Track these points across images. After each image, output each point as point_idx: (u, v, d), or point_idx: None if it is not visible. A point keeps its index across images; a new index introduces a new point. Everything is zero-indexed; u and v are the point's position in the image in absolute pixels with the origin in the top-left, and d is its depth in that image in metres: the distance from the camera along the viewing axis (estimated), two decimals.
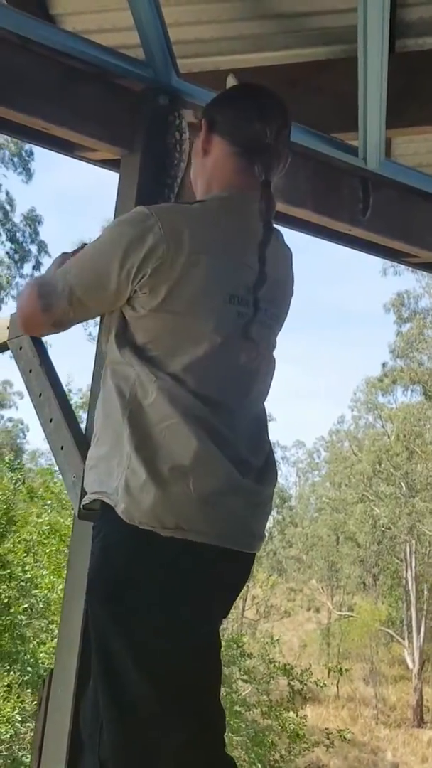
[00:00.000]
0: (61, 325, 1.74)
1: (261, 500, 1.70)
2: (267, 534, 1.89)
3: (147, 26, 2.13)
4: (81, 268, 1.67)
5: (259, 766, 12.98)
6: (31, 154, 20.94)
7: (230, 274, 1.64)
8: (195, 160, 1.84)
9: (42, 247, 20.93)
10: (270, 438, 1.80)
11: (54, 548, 12.15)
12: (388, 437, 29.85)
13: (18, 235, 20.82)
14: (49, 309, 1.69)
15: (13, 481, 13.92)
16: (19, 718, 10.02)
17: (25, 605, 11.53)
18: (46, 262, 20.69)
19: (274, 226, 1.71)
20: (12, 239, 20.72)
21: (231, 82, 2.04)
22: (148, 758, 1.53)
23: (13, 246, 20.78)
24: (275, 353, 1.80)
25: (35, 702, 9.52)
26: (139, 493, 1.52)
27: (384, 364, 30.34)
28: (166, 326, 1.61)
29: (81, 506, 1.88)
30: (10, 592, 11.51)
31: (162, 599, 1.54)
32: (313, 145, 2.59)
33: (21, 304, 1.78)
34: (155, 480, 1.52)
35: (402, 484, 27.94)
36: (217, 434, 1.57)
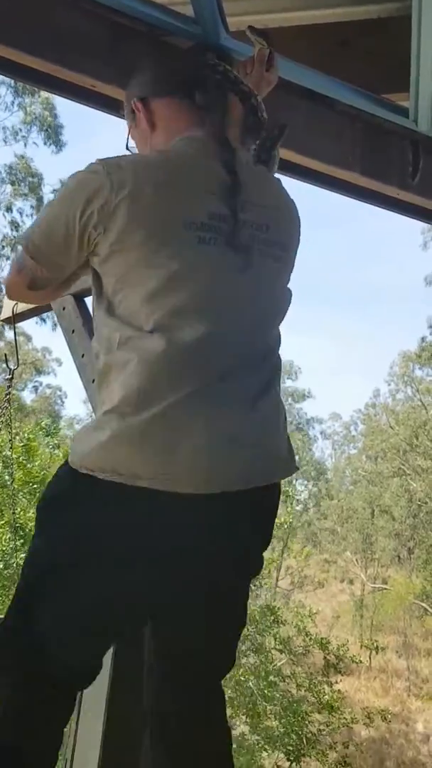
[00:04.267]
0: (36, 285, 1.77)
1: (243, 433, 1.60)
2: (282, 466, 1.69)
3: None
4: (38, 221, 1.72)
5: (294, 736, 13.08)
6: (61, 126, 21.07)
7: (183, 202, 1.64)
8: (145, 143, 1.88)
9: None
10: (275, 364, 1.75)
11: None
12: (426, 410, 29.63)
13: None
14: (21, 269, 1.74)
15: (50, 446, 14.05)
16: None
17: None
18: None
19: (236, 146, 1.78)
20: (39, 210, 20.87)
21: (254, 39, 2.10)
22: None
23: None
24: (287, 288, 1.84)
25: None
26: (83, 439, 1.60)
27: (423, 338, 30.08)
28: (128, 264, 1.62)
29: None
30: None
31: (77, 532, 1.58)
32: (362, 106, 2.54)
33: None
34: (98, 425, 1.57)
35: None
36: (171, 370, 1.56)
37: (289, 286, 1.83)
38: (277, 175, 2.00)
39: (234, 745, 10.83)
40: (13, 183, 21.43)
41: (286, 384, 34.13)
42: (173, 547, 1.58)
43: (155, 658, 1.71)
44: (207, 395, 1.56)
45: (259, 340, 1.70)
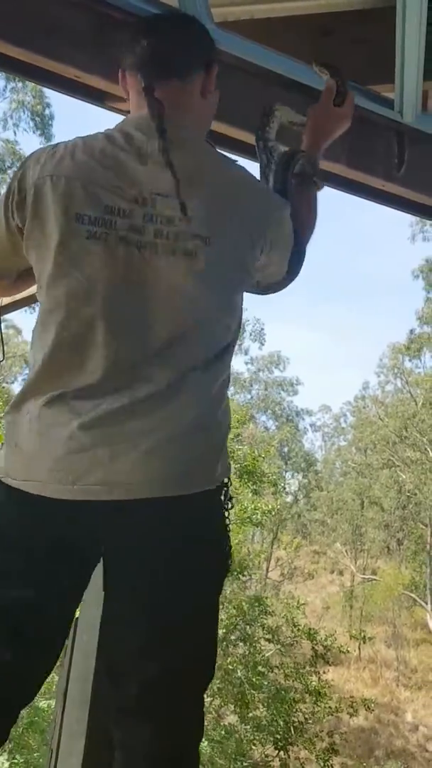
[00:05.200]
0: None
1: (126, 435, 1.49)
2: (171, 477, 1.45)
3: None
4: None
5: (281, 722, 13.14)
6: (52, 117, 21.02)
7: (78, 196, 1.57)
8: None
9: None
10: (178, 367, 1.55)
11: None
12: (415, 402, 29.72)
13: None
14: None
15: None
16: None
17: None
18: None
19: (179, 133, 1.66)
20: None
21: (317, 70, 2.10)
22: None
23: None
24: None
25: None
26: None
27: (411, 331, 30.19)
28: (34, 256, 1.62)
29: None
30: None
31: None
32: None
33: None
34: None
35: (428, 450, 27.86)
36: (49, 370, 1.54)
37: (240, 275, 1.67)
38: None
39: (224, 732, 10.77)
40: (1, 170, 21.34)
41: (274, 374, 34.15)
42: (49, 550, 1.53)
43: None
44: (76, 398, 1.52)
45: (151, 341, 1.55)
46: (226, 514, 1.62)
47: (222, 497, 1.60)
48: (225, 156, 1.75)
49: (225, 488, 1.61)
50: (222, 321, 1.62)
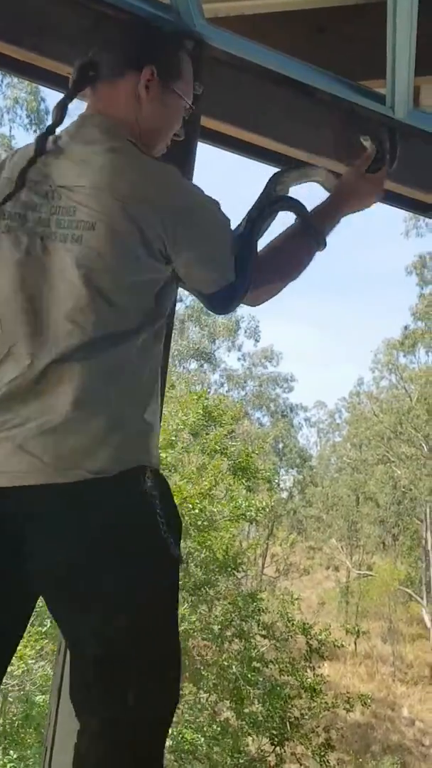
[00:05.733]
0: None
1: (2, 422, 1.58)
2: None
3: None
4: None
5: (277, 718, 13.16)
6: (47, 112, 20.95)
7: (4, 192, 1.68)
8: None
9: None
10: (64, 345, 1.59)
11: None
12: (410, 398, 29.77)
13: None
14: None
15: None
16: (31, 653, 10.18)
17: None
18: None
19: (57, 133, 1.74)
20: None
21: (366, 145, 2.05)
22: None
23: None
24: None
25: (54, 649, 9.69)
26: None
27: (406, 327, 30.26)
28: None
29: None
30: None
31: None
32: (339, 93, 2.54)
33: None
34: None
35: (423, 445, 27.92)
36: None
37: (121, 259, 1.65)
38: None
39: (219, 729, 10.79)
40: None
41: (268, 370, 34.17)
42: None
43: None
44: None
45: (40, 328, 1.61)
46: (140, 502, 1.61)
47: (127, 485, 1.60)
48: (144, 156, 1.71)
49: (130, 477, 1.61)
50: (104, 308, 1.62)
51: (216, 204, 1.75)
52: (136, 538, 1.60)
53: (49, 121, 1.78)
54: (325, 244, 1.88)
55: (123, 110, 1.77)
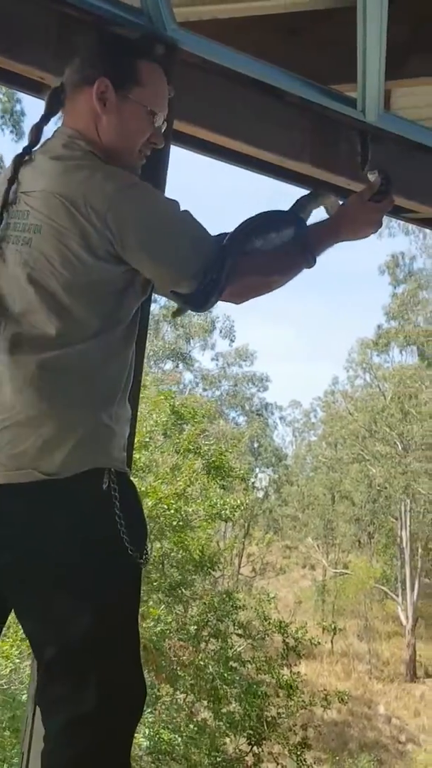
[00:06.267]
0: None
1: None
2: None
3: None
4: None
5: (254, 717, 13.17)
6: (23, 114, 20.83)
7: None
8: None
9: None
10: (16, 347, 1.66)
11: None
12: (384, 397, 29.93)
13: None
14: None
15: None
16: (17, 653, 10.14)
17: None
18: None
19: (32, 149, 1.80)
20: None
21: (371, 178, 2.01)
22: None
23: None
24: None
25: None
26: None
27: (379, 326, 30.41)
28: None
29: None
30: None
31: None
32: (310, 96, 2.56)
33: None
34: None
35: (397, 443, 28.08)
36: None
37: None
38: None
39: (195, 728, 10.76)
40: None
41: (243, 369, 34.18)
42: None
43: None
44: None
45: (2, 333, 1.68)
46: (97, 505, 1.63)
47: (84, 487, 1.63)
48: (100, 163, 1.73)
49: (87, 479, 1.63)
50: (55, 309, 1.65)
51: (170, 203, 1.75)
52: (91, 540, 1.61)
53: (26, 121, 1.87)
54: (315, 262, 1.87)
55: (84, 124, 1.79)
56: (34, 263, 1.66)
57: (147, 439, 13.94)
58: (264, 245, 1.84)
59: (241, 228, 1.82)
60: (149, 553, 1.73)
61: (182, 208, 1.74)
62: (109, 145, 1.78)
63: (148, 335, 2.22)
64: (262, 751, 13.78)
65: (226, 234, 1.80)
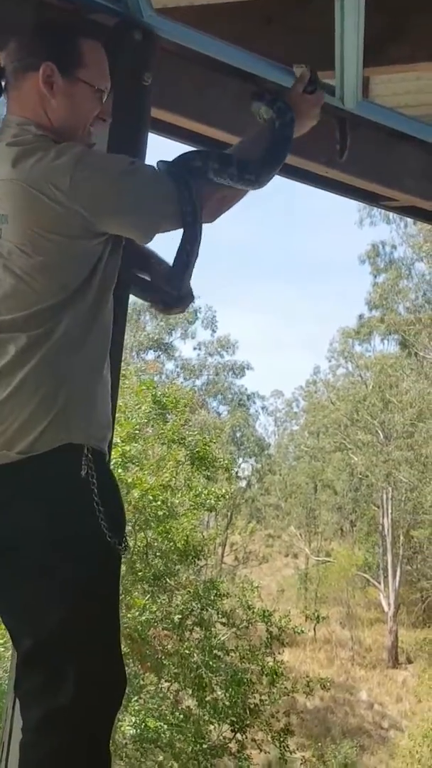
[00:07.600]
0: None
1: None
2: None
3: None
4: None
5: (239, 704, 13.25)
6: None
7: None
8: None
9: None
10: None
11: None
12: (365, 386, 30.04)
13: None
14: None
15: None
16: (1, 641, 10.16)
17: None
18: None
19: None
20: None
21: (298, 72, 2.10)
22: None
23: None
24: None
25: None
26: None
27: (360, 316, 30.48)
28: None
29: None
30: None
31: None
32: (287, 83, 2.54)
33: None
34: None
35: (379, 432, 28.20)
36: None
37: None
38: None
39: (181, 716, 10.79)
40: None
41: (225, 358, 34.14)
42: None
43: None
44: None
45: None
46: (75, 486, 1.63)
47: (61, 466, 1.63)
48: (53, 143, 1.73)
49: (64, 457, 1.63)
50: (22, 295, 1.66)
51: (121, 158, 1.83)
52: (67, 527, 1.61)
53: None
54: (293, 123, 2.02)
55: (32, 110, 1.78)
56: (8, 254, 1.66)
57: (136, 432, 13.92)
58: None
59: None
60: (128, 540, 1.72)
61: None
62: (59, 127, 1.78)
63: (130, 328, 2.22)
64: (246, 737, 13.86)
65: (162, 161, 1.86)
